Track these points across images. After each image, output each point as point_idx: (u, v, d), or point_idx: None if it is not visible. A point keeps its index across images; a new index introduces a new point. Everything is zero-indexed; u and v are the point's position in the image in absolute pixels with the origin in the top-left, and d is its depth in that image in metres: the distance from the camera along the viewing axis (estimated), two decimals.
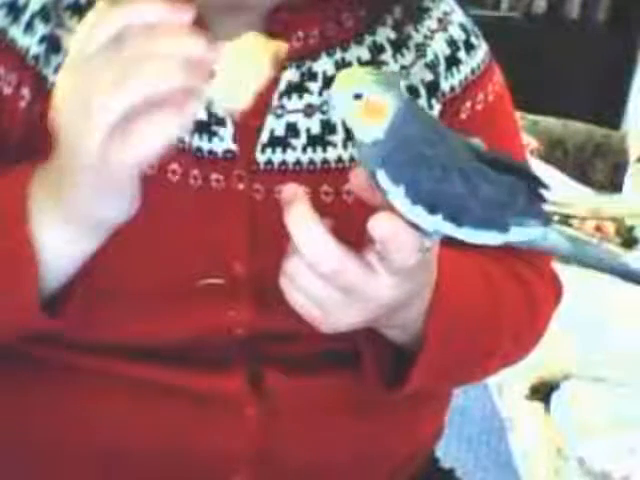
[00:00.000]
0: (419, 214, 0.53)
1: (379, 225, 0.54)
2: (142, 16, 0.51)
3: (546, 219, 0.55)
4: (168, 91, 0.51)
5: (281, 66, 0.56)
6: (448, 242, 0.64)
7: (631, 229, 2.45)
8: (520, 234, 0.55)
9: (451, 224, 0.54)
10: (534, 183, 0.56)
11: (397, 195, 0.53)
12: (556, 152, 2.92)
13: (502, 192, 0.54)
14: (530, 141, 2.75)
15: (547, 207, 0.56)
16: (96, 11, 0.53)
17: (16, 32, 0.67)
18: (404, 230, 0.54)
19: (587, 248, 0.57)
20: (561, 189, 2.52)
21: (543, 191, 0.56)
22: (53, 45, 0.67)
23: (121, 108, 0.50)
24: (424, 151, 0.52)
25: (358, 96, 0.52)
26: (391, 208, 0.54)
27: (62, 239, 0.58)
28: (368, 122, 0.53)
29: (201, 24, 0.69)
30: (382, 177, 0.53)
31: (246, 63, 0.53)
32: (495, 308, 0.73)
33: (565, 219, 2.41)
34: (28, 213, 0.58)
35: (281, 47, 0.55)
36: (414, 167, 0.52)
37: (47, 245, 0.58)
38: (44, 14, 0.67)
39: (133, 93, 0.50)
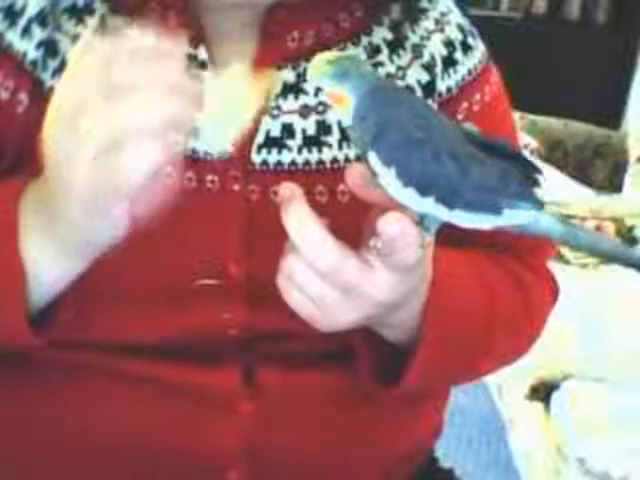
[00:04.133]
0: (410, 197, 0.53)
1: (390, 225, 0.54)
2: (132, 47, 0.51)
3: (539, 203, 0.55)
4: (153, 122, 0.51)
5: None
6: (445, 241, 0.64)
7: (631, 229, 2.45)
8: (512, 217, 0.54)
9: (443, 207, 0.53)
10: (528, 168, 0.56)
11: (388, 177, 0.53)
12: (556, 152, 2.92)
13: (494, 175, 0.54)
14: (530, 141, 2.75)
15: (541, 193, 0.56)
16: (85, 40, 0.52)
17: (13, 37, 0.67)
18: (411, 229, 0.54)
19: (580, 232, 0.57)
20: (561, 189, 2.52)
21: (537, 175, 0.56)
22: (50, 49, 0.67)
23: (104, 137, 0.51)
24: (415, 134, 0.53)
25: (320, 89, 0.55)
26: (384, 207, 0.55)
27: (49, 258, 0.59)
28: (338, 108, 0.55)
29: (198, 24, 0.70)
30: (373, 158, 0.53)
31: (234, 101, 0.54)
32: (491, 308, 0.73)
33: (565, 218, 2.40)
34: (18, 229, 0.58)
35: (273, 79, 0.55)
36: (405, 149, 0.52)
37: (35, 262, 0.59)
38: (41, 18, 0.67)
39: (117, 123, 0.50)
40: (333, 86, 0.54)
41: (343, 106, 0.54)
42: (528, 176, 0.56)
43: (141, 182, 0.51)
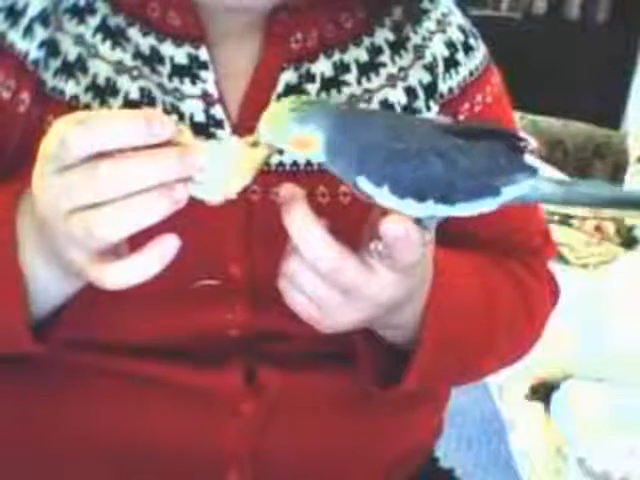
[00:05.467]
0: (410, 206, 0.54)
1: (392, 227, 0.54)
2: (117, 138, 0.50)
3: (532, 169, 0.55)
4: (129, 191, 0.51)
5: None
6: (445, 243, 0.64)
7: (631, 229, 2.45)
8: (511, 192, 0.54)
9: (443, 205, 0.54)
10: (511, 138, 0.56)
11: (384, 195, 0.53)
12: (556, 152, 2.92)
13: (482, 158, 0.54)
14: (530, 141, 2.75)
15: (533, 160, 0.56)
16: (66, 128, 0.51)
17: (15, 36, 0.67)
18: (413, 229, 0.54)
19: (578, 188, 0.56)
20: None
21: (523, 143, 0.56)
22: (52, 49, 0.67)
23: (100, 237, 0.51)
24: (395, 146, 0.53)
25: (282, 140, 0.54)
26: (385, 208, 0.55)
27: (46, 277, 0.59)
28: (305, 153, 0.55)
29: (199, 24, 0.70)
30: (364, 184, 0.53)
31: (226, 168, 0.53)
32: (491, 309, 0.73)
33: (565, 219, 2.41)
34: (15, 235, 0.58)
35: (270, 151, 0.55)
36: (389, 164, 0.53)
37: (34, 277, 0.59)
38: (43, 18, 0.67)
39: (109, 228, 0.51)
40: (297, 131, 0.53)
41: (309, 149, 0.54)
42: (514, 146, 0.55)
43: (110, 242, 0.52)
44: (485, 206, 0.55)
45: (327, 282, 0.56)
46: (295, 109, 0.53)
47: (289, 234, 0.55)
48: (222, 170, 0.53)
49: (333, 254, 0.55)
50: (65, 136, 0.51)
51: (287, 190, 0.56)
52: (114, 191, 0.50)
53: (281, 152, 0.69)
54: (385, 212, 0.54)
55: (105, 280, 0.53)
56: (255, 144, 0.54)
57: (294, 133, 0.54)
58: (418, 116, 0.55)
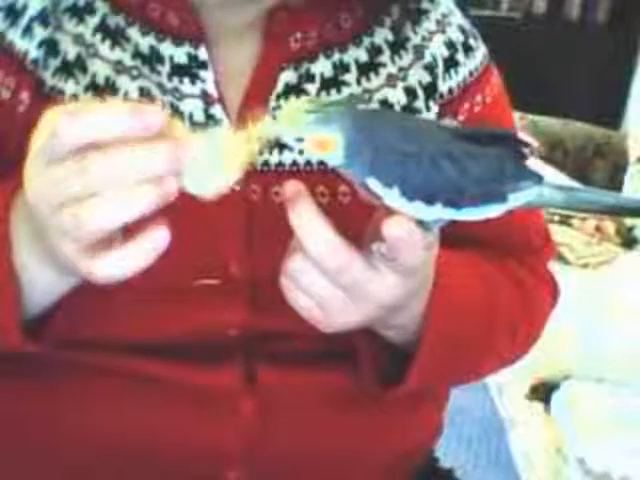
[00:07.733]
0: (418, 209, 0.54)
1: (394, 228, 0.53)
2: (107, 129, 0.50)
3: (537, 177, 0.55)
4: (122, 181, 0.50)
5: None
6: (446, 243, 0.64)
7: (631, 229, 2.45)
8: (517, 199, 0.55)
9: (451, 209, 0.54)
10: (518, 145, 0.56)
11: (393, 197, 0.53)
12: (556, 152, 2.92)
13: (490, 165, 0.54)
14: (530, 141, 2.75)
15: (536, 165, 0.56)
16: (57, 119, 0.51)
17: (14, 36, 0.67)
18: (415, 231, 0.54)
19: (580, 194, 0.57)
20: None
21: (528, 149, 0.56)
22: (51, 49, 0.67)
23: (91, 229, 0.51)
24: (407, 148, 0.53)
25: (300, 139, 0.54)
26: (386, 208, 0.55)
27: (39, 275, 0.59)
28: (323, 154, 0.54)
29: (198, 24, 0.70)
30: (374, 184, 0.53)
31: (218, 161, 0.53)
32: (492, 309, 0.73)
33: (565, 219, 2.41)
34: (9, 234, 0.58)
35: (261, 139, 0.54)
36: (401, 166, 0.53)
37: (29, 275, 0.59)
38: (43, 18, 0.67)
39: (99, 219, 0.50)
40: (318, 132, 0.53)
41: (327, 151, 0.53)
42: (519, 152, 0.56)
43: (101, 233, 0.51)
44: (491, 212, 0.55)
45: (331, 281, 0.56)
46: (316, 110, 0.53)
47: (294, 231, 0.55)
48: (214, 164, 0.53)
49: (339, 251, 0.55)
50: (55, 127, 0.50)
51: (291, 187, 0.56)
52: (103, 183, 0.50)
53: (281, 147, 0.69)
54: (389, 214, 0.54)
55: (96, 273, 0.53)
56: (247, 138, 0.54)
57: (314, 134, 0.53)
58: (426, 119, 0.55)
